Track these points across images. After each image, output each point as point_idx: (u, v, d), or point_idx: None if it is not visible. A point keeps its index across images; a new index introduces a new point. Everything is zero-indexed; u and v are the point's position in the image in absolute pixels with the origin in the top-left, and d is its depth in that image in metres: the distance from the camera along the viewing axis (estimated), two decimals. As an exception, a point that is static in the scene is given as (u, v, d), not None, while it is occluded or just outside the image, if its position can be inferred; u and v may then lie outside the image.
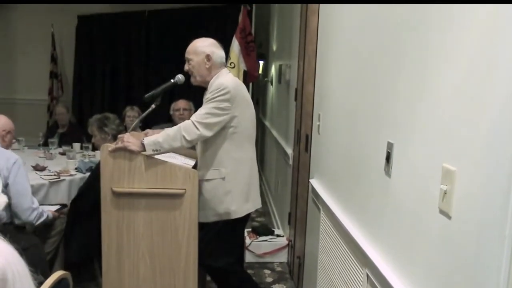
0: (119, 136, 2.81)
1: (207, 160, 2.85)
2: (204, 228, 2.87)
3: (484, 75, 1.15)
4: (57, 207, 3.66)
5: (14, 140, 3.70)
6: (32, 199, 3.21)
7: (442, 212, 1.32)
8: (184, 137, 2.67)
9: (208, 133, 2.72)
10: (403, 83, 1.66)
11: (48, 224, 3.47)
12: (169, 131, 2.71)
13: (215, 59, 2.88)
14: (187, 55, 2.88)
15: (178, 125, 2.74)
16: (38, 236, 3.39)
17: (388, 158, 1.76)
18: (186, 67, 2.89)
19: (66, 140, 5.51)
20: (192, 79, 2.90)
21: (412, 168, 1.56)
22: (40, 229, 3.43)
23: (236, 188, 2.84)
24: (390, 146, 1.74)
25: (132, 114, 5.26)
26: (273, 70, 6.56)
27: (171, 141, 2.68)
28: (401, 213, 1.64)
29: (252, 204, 2.95)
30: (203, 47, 2.87)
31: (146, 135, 2.94)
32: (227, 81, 2.78)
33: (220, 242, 2.89)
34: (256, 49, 5.94)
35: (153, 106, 2.89)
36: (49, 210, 3.46)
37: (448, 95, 1.32)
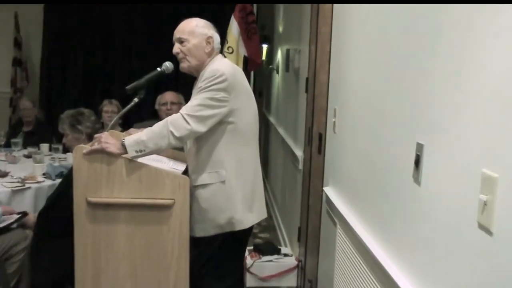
0: (96, 135, 2.81)
1: (202, 162, 2.84)
2: (200, 244, 2.87)
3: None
4: (15, 216, 3.67)
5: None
6: None
7: (481, 227, 1.32)
8: (172, 133, 2.66)
9: (201, 128, 2.71)
10: (437, 73, 1.66)
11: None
12: (155, 127, 2.70)
13: (215, 44, 2.92)
14: (180, 35, 2.88)
15: (165, 119, 2.73)
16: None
17: (417, 162, 1.76)
18: (177, 49, 2.88)
19: (32, 140, 5.53)
20: (183, 65, 2.90)
21: (446, 175, 1.56)
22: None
23: (238, 193, 2.83)
24: (420, 148, 1.75)
25: (110, 109, 5.28)
26: (279, 56, 6.57)
27: (157, 139, 2.67)
28: (432, 228, 1.64)
29: (257, 214, 2.94)
30: (203, 28, 2.89)
31: (129, 134, 2.94)
32: (223, 66, 2.78)
33: (219, 260, 2.88)
34: (259, 31, 5.95)
35: (136, 99, 2.89)
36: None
37: (492, 88, 1.32)
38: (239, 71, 2.92)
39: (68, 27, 7.72)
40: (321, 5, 3.77)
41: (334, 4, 3.29)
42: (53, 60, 7.83)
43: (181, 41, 2.88)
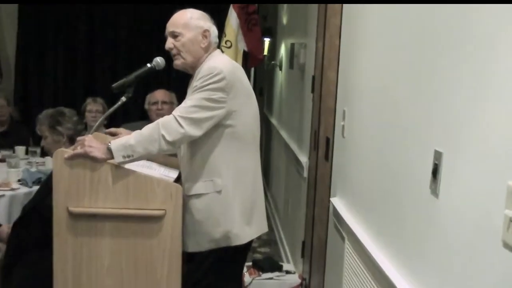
0: (78, 138, 2.81)
1: (196, 169, 2.85)
2: (194, 260, 2.88)
3: None
4: None
5: None
6: None
7: (506, 245, 1.33)
8: (163, 137, 2.66)
9: (195, 132, 2.71)
10: (459, 73, 1.68)
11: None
12: (144, 130, 2.70)
13: (212, 37, 2.91)
14: (173, 29, 2.87)
15: (156, 121, 2.73)
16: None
17: (435, 172, 1.77)
18: (170, 45, 2.88)
19: (6, 142, 5.53)
20: (177, 62, 2.90)
21: (467, 186, 1.57)
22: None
23: (236, 204, 2.84)
24: (438, 156, 1.76)
25: (94, 108, 5.28)
26: (282, 51, 6.59)
27: (146, 143, 2.67)
28: (451, 246, 1.65)
29: (256, 227, 2.95)
30: (198, 20, 2.89)
31: (118, 136, 2.93)
32: (221, 63, 2.78)
33: (215, 278, 2.89)
34: (261, 23, 5.96)
35: (123, 98, 2.90)
36: None
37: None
38: (239, 69, 2.92)
39: (46, 17, 7.71)
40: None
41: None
42: (29, 53, 7.82)
43: (174, 35, 2.86)
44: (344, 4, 3.32)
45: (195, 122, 2.68)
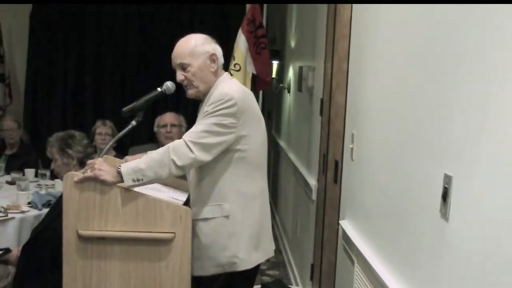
0: (89, 162, 2.83)
1: (204, 193, 2.85)
2: (201, 284, 2.87)
3: None
4: None
5: None
6: None
7: (517, 269, 1.33)
8: (173, 161, 2.67)
9: (205, 157, 2.73)
10: (467, 95, 1.69)
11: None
12: (154, 154, 2.72)
13: (219, 59, 2.92)
14: (180, 61, 2.86)
15: (166, 146, 2.74)
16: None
17: (445, 196, 1.78)
18: (181, 77, 2.87)
19: (16, 164, 5.56)
20: (190, 92, 2.89)
21: (478, 210, 1.57)
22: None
23: (243, 229, 2.84)
24: (447, 180, 1.76)
25: (104, 131, 5.30)
26: (290, 74, 6.62)
27: (156, 167, 2.69)
28: (462, 270, 1.65)
29: (263, 252, 2.95)
30: (203, 46, 2.88)
31: (127, 160, 2.96)
32: (232, 89, 2.79)
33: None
34: (269, 46, 5.99)
35: (133, 122, 2.91)
36: None
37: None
38: (250, 94, 2.92)
39: (56, 39, 7.75)
40: (338, 16, 3.82)
41: (353, 15, 3.32)
42: (39, 76, 7.85)
43: (183, 67, 2.85)
44: (352, 25, 3.34)
45: (205, 147, 2.69)
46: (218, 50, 2.92)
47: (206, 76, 2.86)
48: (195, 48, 2.86)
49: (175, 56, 2.88)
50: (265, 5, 6.13)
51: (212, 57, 2.87)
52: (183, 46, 2.88)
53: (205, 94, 2.88)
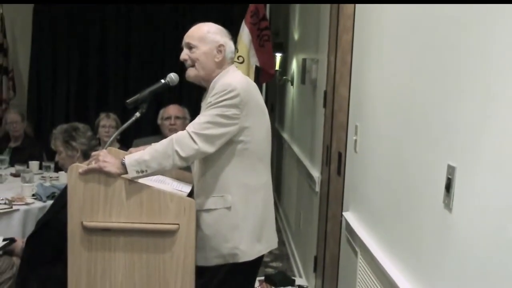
0: (93, 153, 2.83)
1: (207, 185, 2.86)
2: (204, 274, 2.88)
3: None
4: (2, 243, 3.69)
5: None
6: None
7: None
8: (177, 152, 2.68)
9: (209, 149, 2.73)
10: (470, 86, 1.69)
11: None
12: (158, 146, 2.72)
13: (227, 53, 2.93)
14: (189, 41, 2.89)
15: (169, 137, 2.75)
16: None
17: (448, 186, 1.78)
18: (185, 56, 2.90)
19: (20, 157, 5.57)
20: (189, 72, 2.91)
21: (480, 200, 1.58)
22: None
23: (246, 221, 2.85)
24: (451, 170, 1.77)
25: (108, 124, 5.30)
26: (294, 66, 6.61)
27: (160, 158, 2.69)
28: (466, 261, 1.66)
29: (266, 244, 2.96)
30: (215, 35, 2.90)
31: (131, 151, 2.96)
32: (236, 80, 2.80)
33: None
34: (272, 38, 5.97)
35: (137, 114, 2.90)
36: None
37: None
38: (253, 86, 2.92)
39: (59, 32, 7.75)
40: (342, 9, 3.81)
41: (357, 8, 3.32)
42: (43, 68, 7.87)
43: (189, 47, 2.88)
44: (356, 18, 3.34)
45: (208, 138, 2.70)
46: (229, 44, 2.93)
47: (208, 63, 2.87)
48: (207, 34, 2.88)
49: (187, 36, 2.91)
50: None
51: (220, 48, 2.88)
52: (196, 29, 2.92)
53: (204, 79, 2.90)
